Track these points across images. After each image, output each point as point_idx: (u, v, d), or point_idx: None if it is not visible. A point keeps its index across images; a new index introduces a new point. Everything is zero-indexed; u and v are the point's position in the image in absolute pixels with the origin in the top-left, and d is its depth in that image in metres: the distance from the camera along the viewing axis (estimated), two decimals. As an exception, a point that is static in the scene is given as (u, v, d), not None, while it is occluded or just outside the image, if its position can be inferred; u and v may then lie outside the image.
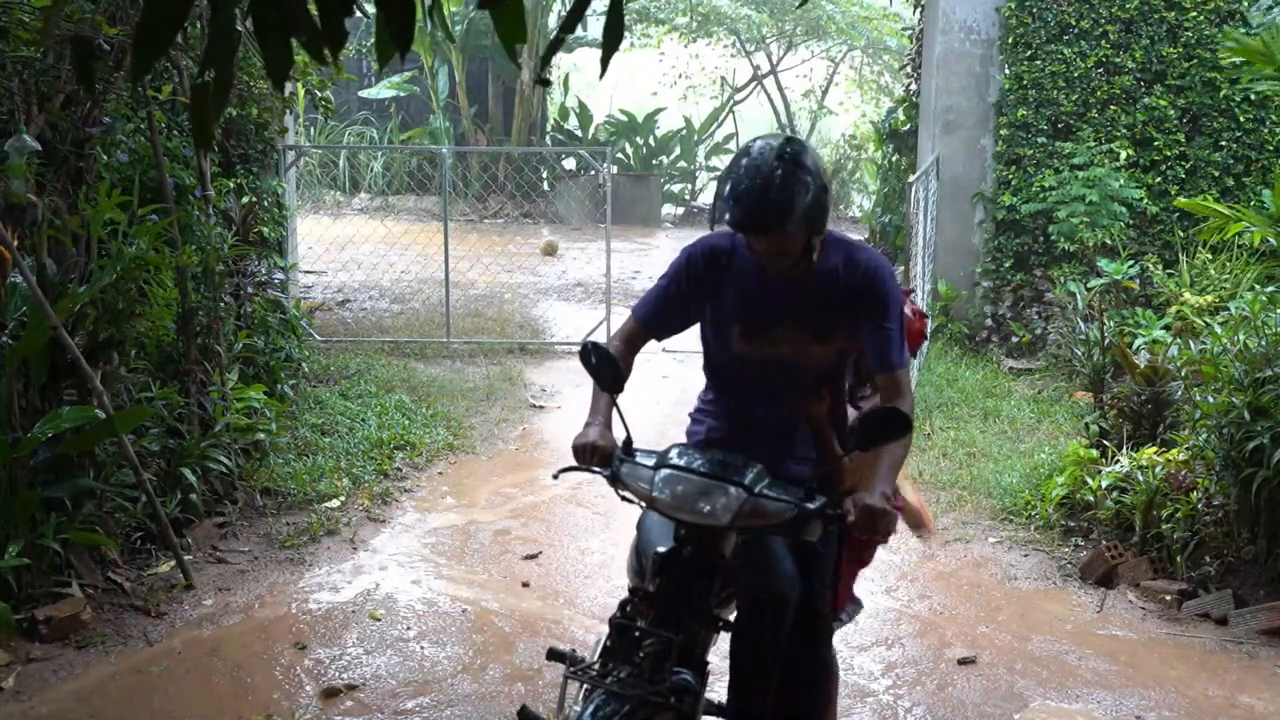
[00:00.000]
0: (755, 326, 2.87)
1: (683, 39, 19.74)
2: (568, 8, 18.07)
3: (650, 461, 2.74)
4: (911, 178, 8.76)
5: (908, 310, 2.97)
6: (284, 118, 7.79)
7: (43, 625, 4.21)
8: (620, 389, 2.82)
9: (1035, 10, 8.77)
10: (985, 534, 5.56)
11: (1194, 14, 8.60)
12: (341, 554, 5.20)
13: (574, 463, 2.85)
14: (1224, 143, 8.56)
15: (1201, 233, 7.20)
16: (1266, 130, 8.54)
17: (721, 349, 2.97)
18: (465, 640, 4.42)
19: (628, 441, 2.82)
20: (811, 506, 2.62)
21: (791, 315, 2.84)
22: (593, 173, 16.75)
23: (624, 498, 2.82)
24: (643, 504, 2.80)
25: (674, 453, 2.75)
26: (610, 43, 1.63)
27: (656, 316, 2.98)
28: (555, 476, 2.97)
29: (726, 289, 2.89)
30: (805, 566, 2.92)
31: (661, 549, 2.71)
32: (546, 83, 2.07)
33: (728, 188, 2.69)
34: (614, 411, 2.87)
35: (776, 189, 2.63)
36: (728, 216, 2.67)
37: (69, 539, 4.38)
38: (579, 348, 2.81)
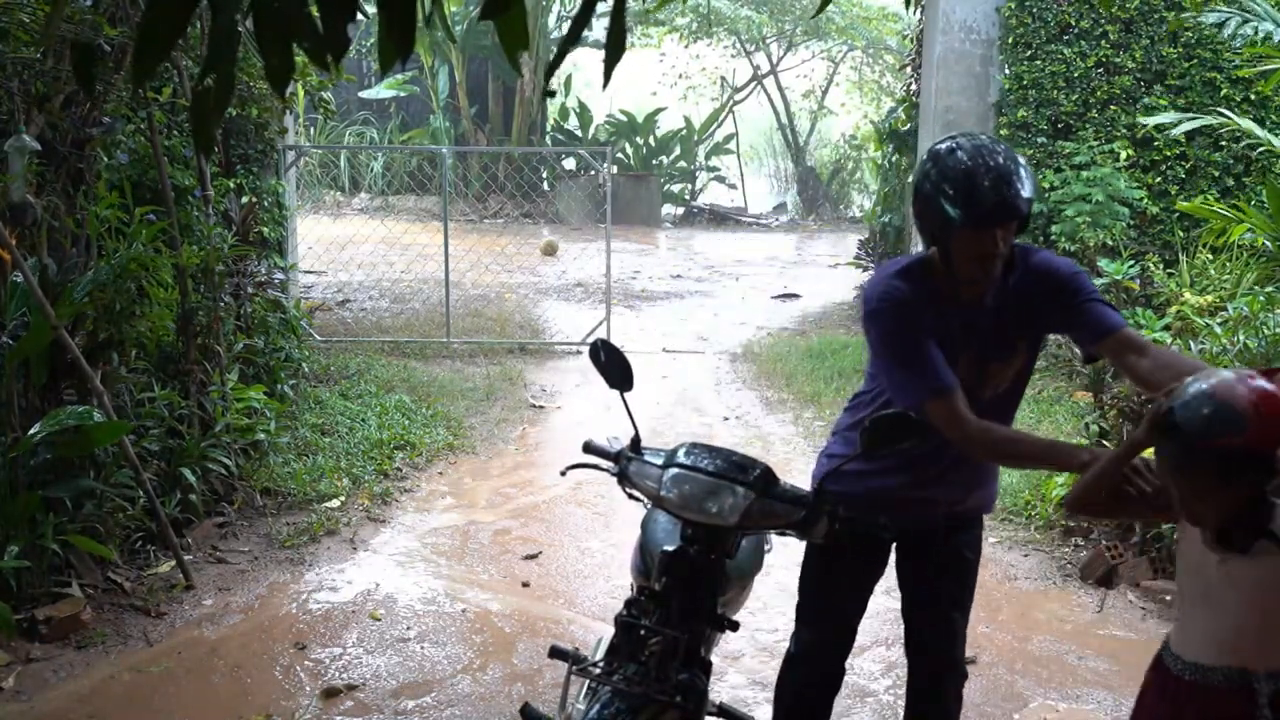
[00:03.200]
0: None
1: (683, 40, 19.75)
2: (568, 8, 18.05)
3: (658, 460, 2.75)
4: (911, 177, 8.77)
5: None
6: (284, 118, 7.80)
7: (43, 625, 4.21)
8: (629, 386, 2.83)
9: (1035, 10, 8.77)
10: (985, 534, 5.52)
11: (1194, 14, 8.59)
12: (341, 554, 5.20)
13: (581, 459, 2.87)
14: (1224, 143, 8.56)
15: (1203, 234, 7.22)
16: (1267, 130, 8.54)
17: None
18: (465, 640, 4.43)
19: (636, 440, 2.83)
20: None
21: (976, 343, 2.70)
22: (593, 173, 16.75)
23: (631, 496, 2.83)
24: (649, 502, 2.81)
25: (682, 452, 2.75)
26: (612, 54, 1.62)
27: (949, 371, 2.66)
28: (563, 473, 2.97)
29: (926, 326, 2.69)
30: (959, 599, 2.99)
31: (668, 548, 2.72)
32: (552, 94, 2.06)
33: (954, 178, 2.53)
34: (627, 410, 2.87)
35: (1016, 167, 2.55)
36: (974, 203, 2.50)
37: (69, 540, 4.39)
38: (588, 346, 2.81)
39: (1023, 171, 2.55)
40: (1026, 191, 2.53)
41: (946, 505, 2.90)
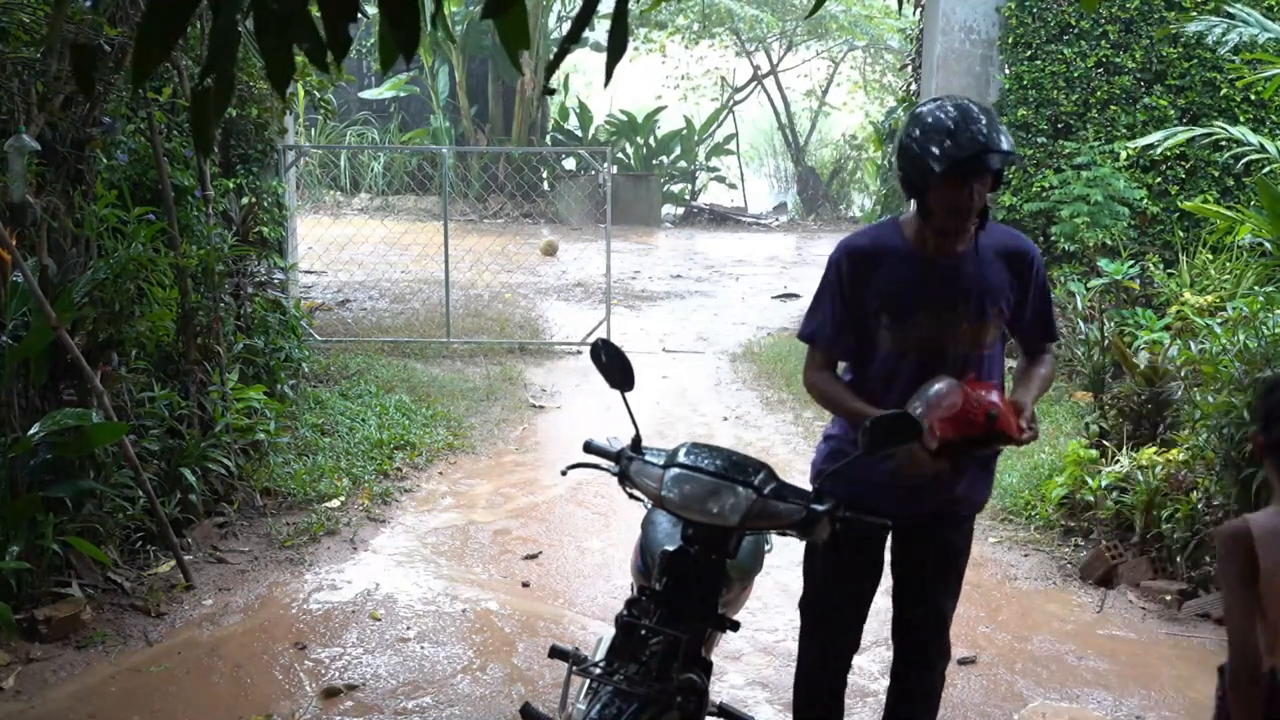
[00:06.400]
0: (904, 312, 2.82)
1: (684, 41, 19.74)
2: (568, 8, 17.99)
3: (659, 460, 2.75)
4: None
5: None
6: (284, 118, 7.79)
7: (43, 625, 4.21)
8: (630, 386, 2.84)
9: (1035, 10, 8.77)
10: (985, 534, 5.56)
11: (1194, 14, 8.59)
12: (341, 554, 5.20)
13: (582, 459, 2.88)
14: (1224, 143, 8.56)
15: (1204, 234, 7.26)
16: (1267, 130, 8.54)
17: (869, 345, 2.91)
18: (465, 640, 4.43)
19: (636, 439, 2.83)
20: (820, 508, 2.62)
21: (942, 296, 2.81)
22: (593, 173, 16.74)
23: (632, 495, 2.83)
24: (650, 502, 2.81)
25: (683, 452, 2.75)
26: (615, 51, 1.62)
27: (838, 337, 2.91)
28: (564, 473, 2.97)
29: (874, 283, 2.86)
30: (952, 590, 3.08)
31: (669, 548, 2.72)
32: (552, 92, 2.08)
33: (934, 132, 2.68)
34: (627, 409, 2.88)
35: (990, 120, 2.69)
36: (963, 153, 2.62)
37: (69, 540, 4.39)
38: (589, 345, 2.81)
39: (999, 129, 2.69)
40: (1004, 145, 2.66)
41: (934, 495, 2.92)
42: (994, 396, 2.70)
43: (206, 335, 5.57)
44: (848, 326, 2.90)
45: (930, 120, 2.72)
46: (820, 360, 2.96)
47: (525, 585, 4.93)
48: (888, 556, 3.09)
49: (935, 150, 2.67)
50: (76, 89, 4.65)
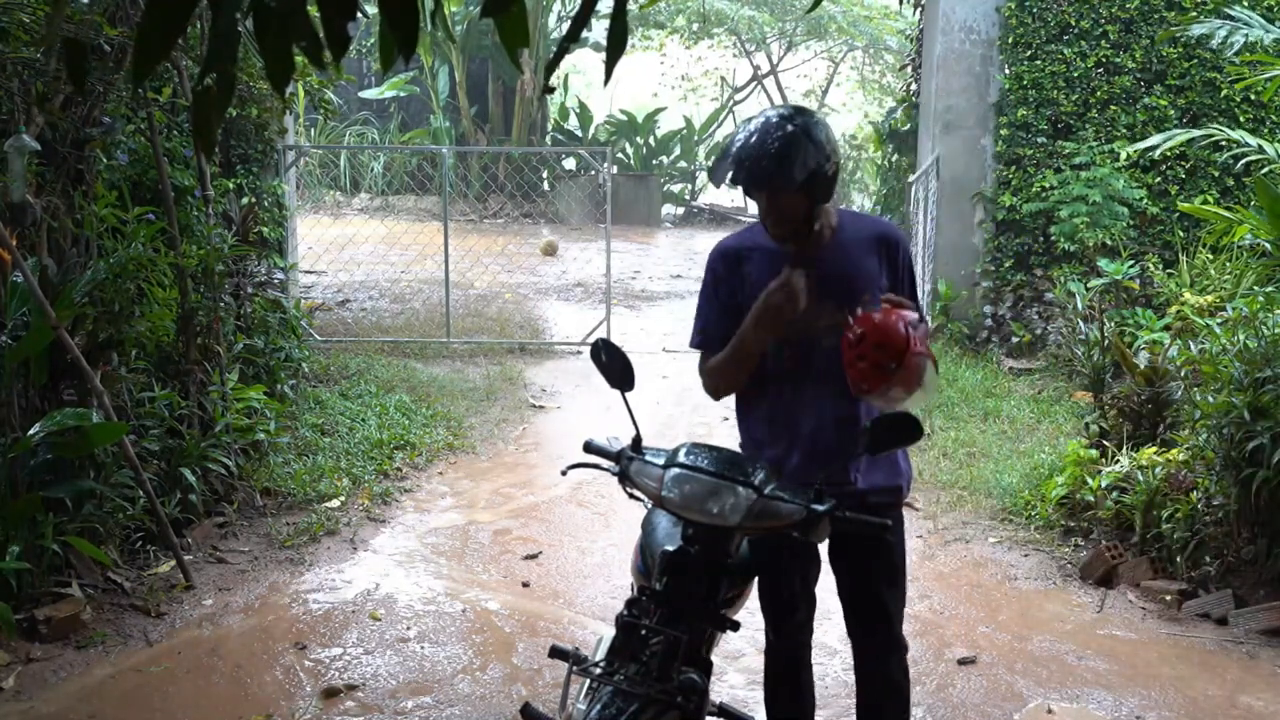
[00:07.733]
0: None
1: (684, 41, 19.75)
2: (568, 8, 17.93)
3: (660, 460, 2.75)
4: (911, 178, 8.77)
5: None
6: (284, 118, 7.80)
7: (43, 625, 4.21)
8: (630, 386, 2.84)
9: (1035, 10, 8.77)
10: (985, 534, 5.56)
11: (1194, 14, 8.60)
12: (341, 554, 5.20)
13: (582, 459, 2.88)
14: (1223, 143, 8.55)
15: (1204, 235, 7.25)
16: (1267, 130, 8.54)
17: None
18: (465, 640, 4.43)
19: (637, 439, 2.83)
20: (820, 508, 2.62)
21: (809, 291, 2.82)
22: (593, 173, 16.75)
23: (632, 495, 2.83)
24: (650, 502, 2.81)
25: (683, 452, 2.75)
26: (614, 50, 1.62)
27: (723, 337, 2.93)
28: (564, 473, 2.97)
29: (745, 282, 2.91)
30: (888, 579, 3.04)
31: (669, 548, 2.71)
32: (552, 90, 2.07)
33: (730, 145, 2.75)
34: (627, 407, 2.89)
35: (777, 148, 2.69)
36: (729, 174, 2.71)
37: (69, 540, 4.39)
38: (589, 345, 2.81)
39: (788, 150, 2.67)
40: (774, 167, 2.68)
41: (835, 485, 2.85)
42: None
43: (206, 335, 5.57)
44: (729, 326, 2.92)
45: (738, 130, 2.80)
46: (702, 360, 3.03)
47: (525, 585, 4.93)
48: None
49: (720, 161, 2.76)
50: (74, 87, 4.64)
